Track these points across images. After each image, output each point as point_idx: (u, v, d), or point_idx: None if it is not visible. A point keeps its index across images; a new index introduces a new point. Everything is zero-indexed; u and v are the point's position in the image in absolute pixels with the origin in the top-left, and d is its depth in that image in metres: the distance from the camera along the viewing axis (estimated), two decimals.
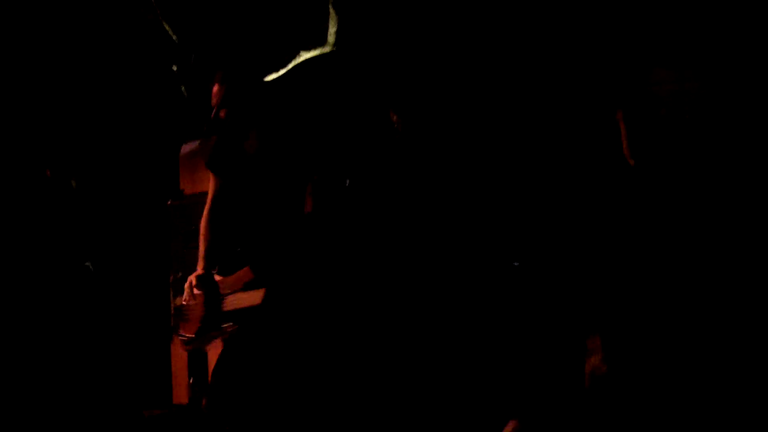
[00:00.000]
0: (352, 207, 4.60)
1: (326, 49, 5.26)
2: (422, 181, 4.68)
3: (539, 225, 4.49)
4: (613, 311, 3.95)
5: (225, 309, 4.15)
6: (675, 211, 3.96)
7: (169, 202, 5.55)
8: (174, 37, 5.84)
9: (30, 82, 5.86)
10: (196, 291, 4.19)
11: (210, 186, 4.31)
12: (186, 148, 5.53)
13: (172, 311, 5.25)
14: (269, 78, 5.26)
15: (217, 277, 4.22)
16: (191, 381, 5.27)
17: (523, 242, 4.48)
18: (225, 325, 4.15)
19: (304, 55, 5.30)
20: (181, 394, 5.42)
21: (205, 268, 4.25)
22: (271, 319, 4.13)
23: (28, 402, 5.26)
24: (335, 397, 4.32)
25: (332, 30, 5.31)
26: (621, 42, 4.85)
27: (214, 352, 4.36)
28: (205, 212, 4.28)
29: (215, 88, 4.26)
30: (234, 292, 4.17)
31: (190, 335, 4.21)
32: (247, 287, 4.15)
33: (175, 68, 5.84)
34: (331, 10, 5.25)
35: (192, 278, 4.22)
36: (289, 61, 5.31)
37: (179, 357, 5.37)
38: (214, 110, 4.22)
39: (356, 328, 4.43)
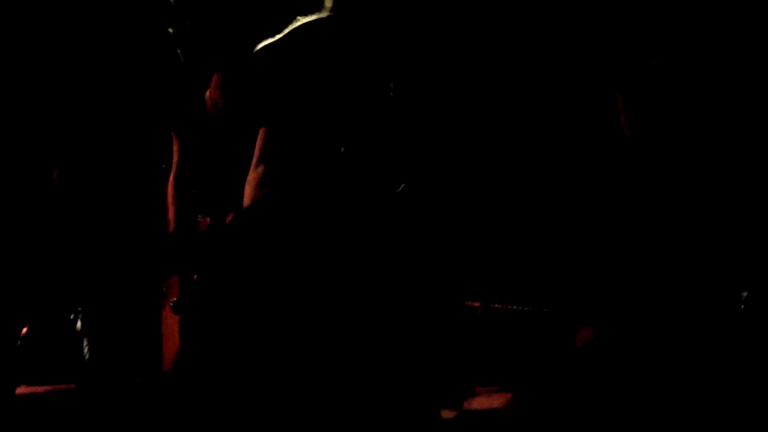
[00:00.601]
0: (347, 178, 4.55)
1: (323, 13, 5.17)
2: (417, 153, 4.62)
3: (534, 210, 4.44)
4: (605, 290, 3.90)
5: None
6: (672, 193, 3.90)
7: (163, 166, 5.49)
8: (171, 0, 5.77)
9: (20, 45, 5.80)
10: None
11: (174, 150, 4.29)
12: None
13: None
14: (265, 43, 5.17)
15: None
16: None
17: (517, 227, 4.43)
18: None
19: (301, 20, 5.20)
20: (171, 361, 5.39)
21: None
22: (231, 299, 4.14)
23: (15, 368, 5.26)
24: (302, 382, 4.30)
25: None
26: (617, 25, 4.77)
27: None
28: (171, 178, 4.27)
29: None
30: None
31: (175, 300, 4.28)
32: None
33: (171, 31, 5.77)
34: None
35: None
36: (285, 26, 5.22)
37: (169, 325, 5.33)
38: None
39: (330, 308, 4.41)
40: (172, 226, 4.32)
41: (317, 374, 4.26)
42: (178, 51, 5.73)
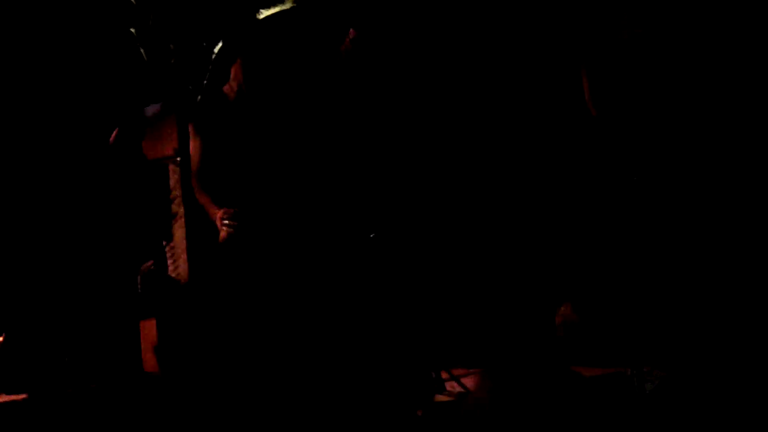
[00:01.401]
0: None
1: (286, 5, 5.17)
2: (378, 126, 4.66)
3: (500, 185, 4.46)
4: (582, 265, 3.92)
5: None
6: (638, 165, 3.92)
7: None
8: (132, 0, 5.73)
9: None
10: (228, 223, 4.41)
11: (193, 147, 4.46)
12: (147, 111, 5.45)
13: (140, 279, 5.24)
14: (232, 36, 5.17)
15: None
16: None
17: (482, 202, 4.44)
18: None
19: (264, 13, 5.21)
20: (151, 362, 5.37)
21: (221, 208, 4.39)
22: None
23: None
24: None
25: None
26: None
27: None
28: (194, 172, 4.47)
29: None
30: None
31: None
32: None
33: (133, 31, 5.73)
34: None
35: (221, 214, 4.31)
36: (249, 19, 5.22)
37: (148, 325, 5.31)
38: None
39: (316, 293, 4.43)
40: (214, 215, 4.51)
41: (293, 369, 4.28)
42: (141, 50, 5.70)
